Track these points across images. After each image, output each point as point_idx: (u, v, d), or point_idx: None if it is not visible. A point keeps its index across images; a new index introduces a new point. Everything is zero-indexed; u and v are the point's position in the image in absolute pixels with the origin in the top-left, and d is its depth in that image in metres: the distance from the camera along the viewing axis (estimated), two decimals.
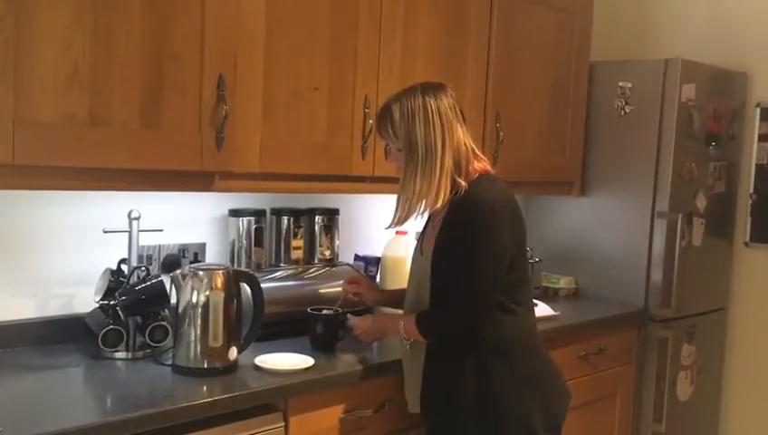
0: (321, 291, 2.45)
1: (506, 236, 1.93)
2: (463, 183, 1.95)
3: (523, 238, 2.03)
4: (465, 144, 2.00)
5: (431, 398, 2.01)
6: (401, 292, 2.21)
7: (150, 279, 2.13)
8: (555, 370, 2.10)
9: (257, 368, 1.99)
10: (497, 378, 1.94)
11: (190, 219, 2.46)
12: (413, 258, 2.17)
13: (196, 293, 1.95)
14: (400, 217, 2.01)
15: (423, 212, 2.00)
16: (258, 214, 2.55)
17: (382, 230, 2.40)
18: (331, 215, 2.71)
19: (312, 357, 2.06)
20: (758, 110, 3.39)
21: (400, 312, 2.19)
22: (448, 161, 1.95)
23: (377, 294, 2.38)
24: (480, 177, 1.99)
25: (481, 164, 2.03)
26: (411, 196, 1.96)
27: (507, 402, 1.93)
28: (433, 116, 1.95)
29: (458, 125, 1.99)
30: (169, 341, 2.06)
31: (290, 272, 2.53)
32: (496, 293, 1.94)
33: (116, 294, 2.07)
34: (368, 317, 2.24)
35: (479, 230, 1.91)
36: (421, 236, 2.16)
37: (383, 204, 2.35)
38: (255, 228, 2.53)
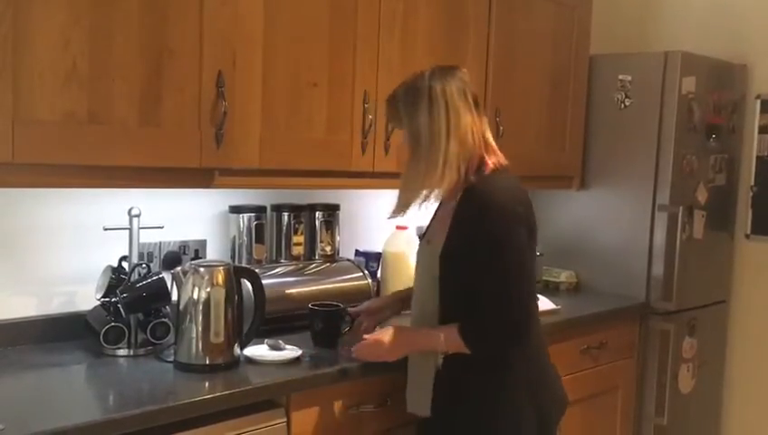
0: (322, 287, 2.45)
1: (526, 239, 1.85)
2: (471, 177, 1.86)
3: (536, 237, 1.94)
4: (473, 132, 1.88)
5: (441, 399, 1.93)
6: (407, 293, 2.14)
7: (151, 276, 2.13)
8: (554, 378, 2.02)
9: (249, 361, 1.99)
10: (500, 382, 1.88)
11: (191, 216, 2.46)
12: (419, 250, 2.07)
13: (197, 289, 1.95)
14: (401, 207, 1.93)
15: (425, 203, 1.92)
16: (259, 210, 2.54)
17: (383, 226, 2.41)
18: (332, 210, 2.71)
19: (314, 352, 2.07)
20: (758, 102, 3.38)
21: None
22: (454, 149, 1.84)
23: (382, 312, 2.26)
24: (493, 173, 1.89)
25: (494, 157, 1.92)
26: (414, 185, 1.88)
27: (506, 408, 1.88)
28: (438, 101, 1.85)
29: (467, 111, 1.88)
30: (171, 338, 2.06)
31: (291, 268, 2.53)
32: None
33: (117, 291, 2.07)
34: (387, 331, 2.00)
35: (505, 239, 1.81)
36: (427, 229, 2.09)
37: (384, 199, 2.35)
38: (256, 225, 2.53)
